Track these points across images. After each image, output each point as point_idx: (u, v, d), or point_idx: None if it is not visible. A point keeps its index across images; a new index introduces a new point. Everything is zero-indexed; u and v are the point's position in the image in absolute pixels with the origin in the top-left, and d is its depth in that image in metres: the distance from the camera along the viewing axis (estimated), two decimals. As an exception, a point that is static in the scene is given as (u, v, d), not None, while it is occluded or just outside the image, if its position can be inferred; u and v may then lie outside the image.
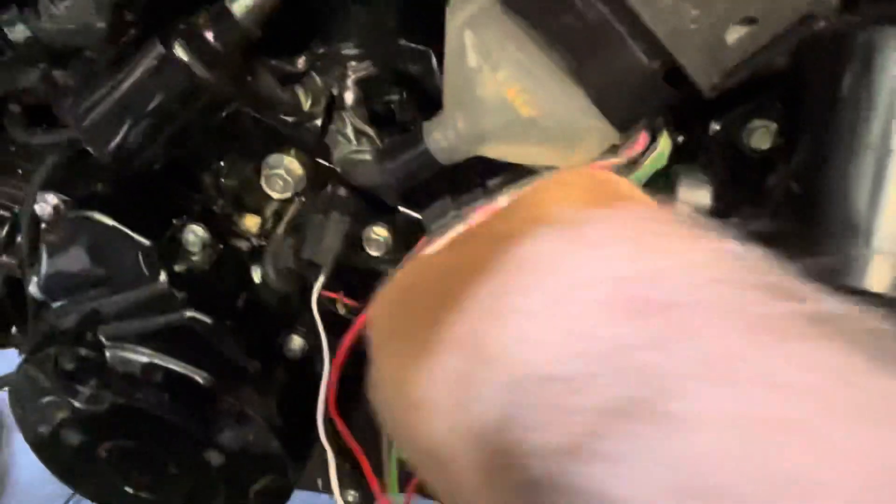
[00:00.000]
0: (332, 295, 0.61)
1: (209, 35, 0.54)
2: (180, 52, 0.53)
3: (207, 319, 0.61)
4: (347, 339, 0.48)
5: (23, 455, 0.75)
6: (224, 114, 0.59)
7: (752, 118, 0.54)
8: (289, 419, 0.67)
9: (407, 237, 0.69)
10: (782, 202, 0.45)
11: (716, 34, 0.46)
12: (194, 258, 0.64)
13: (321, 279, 0.60)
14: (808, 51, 0.45)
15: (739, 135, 0.54)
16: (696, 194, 0.49)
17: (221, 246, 0.64)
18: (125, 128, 0.54)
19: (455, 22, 0.49)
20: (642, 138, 0.56)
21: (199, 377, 0.63)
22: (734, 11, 0.45)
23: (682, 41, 0.46)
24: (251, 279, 0.66)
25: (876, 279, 0.40)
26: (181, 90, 0.53)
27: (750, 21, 0.46)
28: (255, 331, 0.66)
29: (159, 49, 0.54)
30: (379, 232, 0.68)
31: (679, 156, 0.61)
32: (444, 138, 0.55)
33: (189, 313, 0.60)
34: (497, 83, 0.52)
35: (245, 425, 0.66)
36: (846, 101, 0.43)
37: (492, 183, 0.59)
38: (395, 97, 0.66)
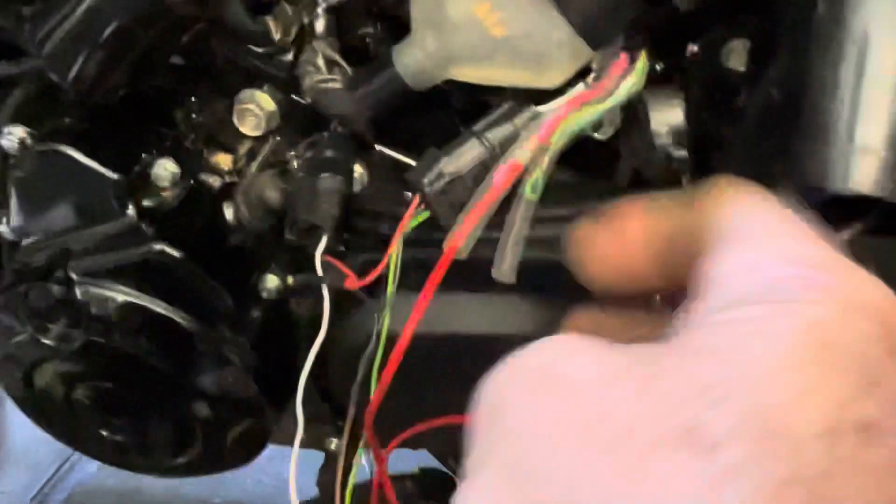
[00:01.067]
0: (339, 265, 0.57)
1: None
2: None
3: (177, 253, 0.60)
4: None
5: (18, 418, 0.74)
6: (187, 38, 0.58)
7: (731, 37, 0.52)
8: (265, 361, 0.66)
9: (383, 174, 0.68)
10: (761, 113, 0.44)
11: (688, -61, 0.45)
12: (164, 193, 0.62)
13: (323, 241, 0.57)
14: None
15: (718, 55, 0.52)
16: (668, 114, 0.47)
17: (192, 182, 0.63)
18: (85, 53, 0.53)
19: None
20: (621, 60, 0.55)
21: (174, 316, 0.61)
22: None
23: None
24: (223, 216, 0.64)
25: (859, 177, 0.39)
26: (140, 11, 0.52)
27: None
28: (227, 269, 0.65)
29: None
30: (356, 169, 0.66)
31: (660, 82, 0.60)
32: (413, 61, 0.53)
33: (158, 246, 0.59)
34: (467, 1, 0.50)
35: (222, 367, 0.65)
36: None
37: (478, 126, 0.56)
38: (369, 30, 0.65)
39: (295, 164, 0.65)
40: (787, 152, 0.40)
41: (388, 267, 0.54)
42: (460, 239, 0.48)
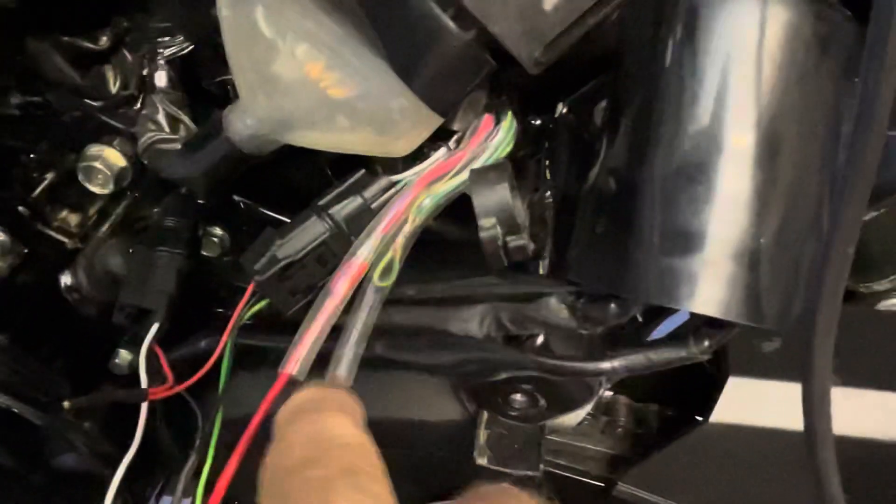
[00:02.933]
0: (162, 362, 0.51)
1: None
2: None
3: (2, 338, 0.53)
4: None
5: None
6: (14, 101, 0.51)
7: (602, 97, 0.46)
8: (118, 441, 0.60)
9: (250, 231, 0.62)
10: (599, 201, 0.38)
11: (530, -2, 0.39)
12: (-6, 265, 0.56)
13: (153, 329, 0.50)
14: (629, 16, 0.38)
15: (589, 115, 0.46)
16: (493, 200, 0.41)
17: (26, 250, 0.56)
18: None
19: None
20: (486, 121, 0.49)
21: (9, 406, 0.55)
22: (546, -30, 0.38)
23: (493, 6, 0.39)
24: (64, 286, 0.58)
25: (705, 297, 0.33)
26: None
27: (567, -19, 0.38)
28: (71, 345, 0.58)
29: None
30: (215, 232, 0.60)
31: (539, 140, 0.54)
32: (244, 126, 0.47)
33: (-24, 331, 0.53)
34: (297, 61, 0.44)
35: (69, 455, 0.59)
36: (668, 77, 0.35)
37: (323, 201, 0.50)
38: (228, 76, 0.58)
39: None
40: (624, 255, 0.35)
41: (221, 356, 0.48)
42: (293, 365, 0.42)
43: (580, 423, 0.62)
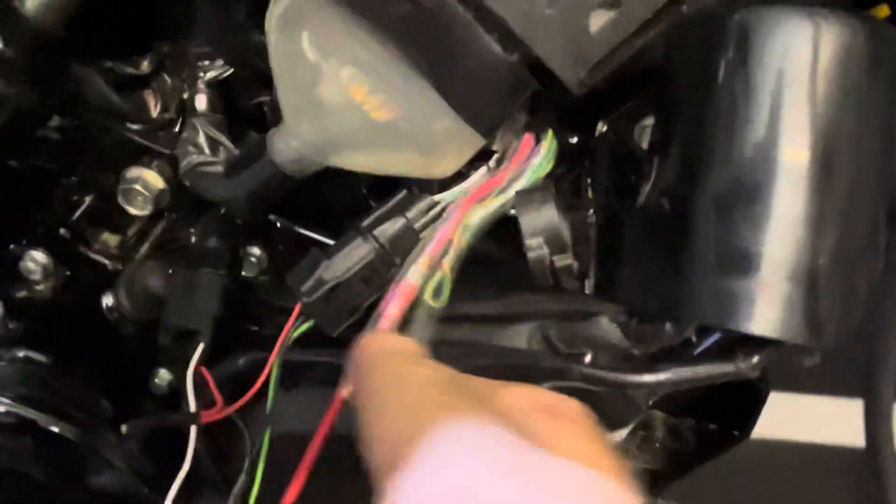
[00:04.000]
0: (210, 384, 0.51)
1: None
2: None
3: (42, 358, 0.54)
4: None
5: None
6: (54, 125, 0.52)
7: (644, 115, 0.46)
8: (159, 459, 0.60)
9: (288, 254, 0.62)
10: (651, 222, 0.38)
11: (576, 21, 0.39)
12: (38, 287, 0.57)
13: (199, 350, 0.51)
14: (677, 38, 0.38)
15: (630, 134, 0.47)
16: (539, 221, 0.42)
17: (68, 272, 0.57)
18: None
19: (277, 12, 0.42)
20: (526, 141, 0.50)
21: (47, 424, 0.56)
22: (593, -7, 0.38)
23: (538, 29, 0.39)
24: (105, 307, 0.59)
25: (761, 318, 0.33)
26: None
27: (613, 4, 0.38)
28: (112, 365, 0.59)
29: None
30: (253, 252, 0.61)
31: (576, 158, 0.54)
32: (288, 149, 0.48)
33: (21, 353, 0.53)
34: (341, 84, 0.45)
35: (108, 473, 0.59)
36: (720, 97, 0.35)
37: (366, 221, 0.50)
38: (265, 98, 0.59)
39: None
40: (679, 276, 0.35)
41: (269, 378, 0.48)
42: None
43: (616, 439, 0.62)
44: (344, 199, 0.61)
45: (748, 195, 0.33)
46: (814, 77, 0.33)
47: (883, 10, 0.41)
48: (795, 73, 0.34)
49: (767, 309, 0.33)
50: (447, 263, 0.45)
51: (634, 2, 0.38)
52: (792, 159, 0.33)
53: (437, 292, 0.45)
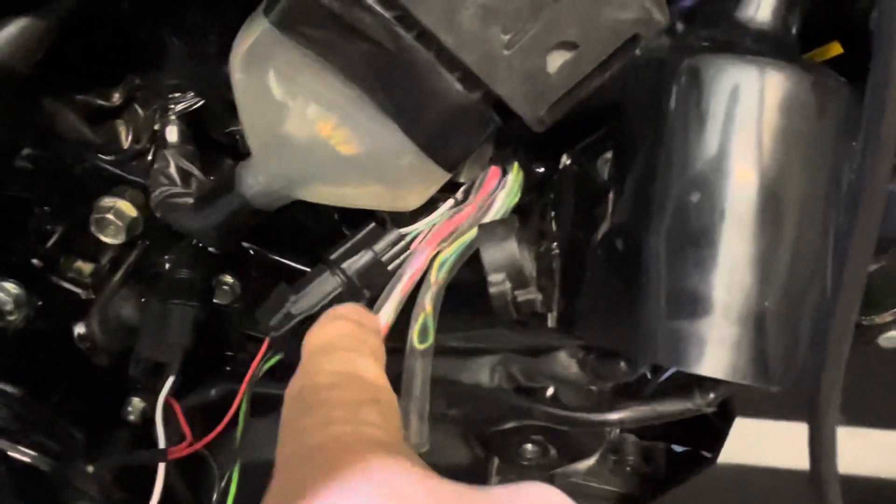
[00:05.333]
0: (180, 418, 0.52)
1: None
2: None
3: (12, 389, 0.54)
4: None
5: None
6: (26, 154, 0.53)
7: (607, 148, 0.47)
8: (132, 489, 0.60)
9: (261, 278, 0.63)
10: (608, 258, 0.39)
11: (535, 61, 0.40)
12: (10, 317, 0.57)
13: (168, 383, 0.51)
14: (630, 80, 0.39)
15: (593, 167, 0.47)
16: (500, 255, 0.42)
17: (40, 302, 0.57)
18: None
19: (241, 50, 0.42)
20: (492, 174, 0.50)
21: (22, 456, 0.56)
22: (550, 35, 0.39)
23: (498, 70, 0.40)
24: (77, 336, 0.59)
25: (711, 360, 0.34)
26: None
27: (571, 46, 0.39)
28: (85, 393, 0.59)
29: None
30: (226, 280, 0.61)
31: (543, 187, 0.55)
32: (256, 182, 0.48)
33: (-8, 384, 0.53)
34: (307, 120, 0.45)
35: (81, 501, 0.59)
36: (669, 141, 0.36)
37: (334, 255, 0.51)
38: (236, 127, 0.60)
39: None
40: (632, 316, 0.35)
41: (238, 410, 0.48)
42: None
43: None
44: (318, 226, 0.62)
45: (697, 238, 0.34)
46: (759, 124, 0.34)
47: (835, 48, 0.42)
48: (741, 120, 0.34)
49: (716, 351, 0.34)
50: (429, 303, 0.46)
51: (591, 43, 0.39)
52: (738, 204, 0.34)
53: (422, 334, 0.45)
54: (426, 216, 0.50)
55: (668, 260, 0.34)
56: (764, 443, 0.56)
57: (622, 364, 0.39)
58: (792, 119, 0.34)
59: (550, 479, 0.52)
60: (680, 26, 0.43)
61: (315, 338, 0.36)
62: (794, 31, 0.38)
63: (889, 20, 0.25)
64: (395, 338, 0.44)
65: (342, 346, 0.35)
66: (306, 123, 0.45)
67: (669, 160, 0.36)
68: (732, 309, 0.34)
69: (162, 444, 0.49)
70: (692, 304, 0.34)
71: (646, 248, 0.35)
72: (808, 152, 0.35)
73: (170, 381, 0.50)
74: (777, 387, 0.35)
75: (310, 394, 0.32)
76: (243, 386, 0.47)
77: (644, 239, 0.35)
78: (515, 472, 0.50)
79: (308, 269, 0.53)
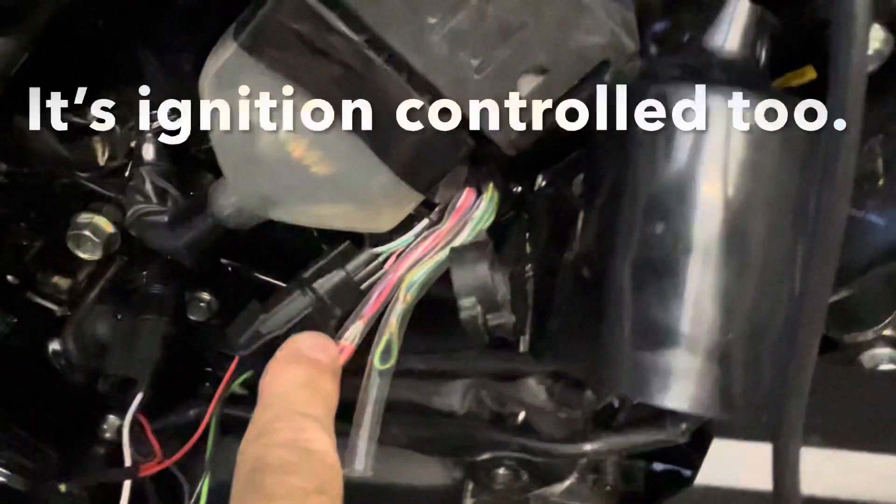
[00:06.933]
0: (149, 435, 0.51)
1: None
2: None
3: (-16, 410, 0.53)
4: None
5: None
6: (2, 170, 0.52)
7: (581, 170, 0.47)
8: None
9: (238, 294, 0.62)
10: (577, 284, 0.39)
11: (505, 85, 0.40)
12: (-17, 335, 0.56)
13: (137, 399, 0.51)
14: (598, 105, 0.39)
15: (567, 189, 0.47)
16: (471, 279, 0.42)
17: (14, 319, 0.57)
18: None
19: (211, 74, 0.42)
20: (467, 195, 0.50)
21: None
22: (520, 59, 0.39)
23: (469, 93, 0.40)
24: (52, 353, 0.58)
25: (675, 393, 0.33)
26: None
27: (541, 70, 0.39)
28: (60, 412, 0.58)
29: None
30: (203, 296, 0.61)
31: (518, 208, 0.55)
32: (228, 204, 0.48)
33: (-38, 404, 0.53)
34: (279, 142, 0.45)
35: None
36: (634, 168, 0.36)
37: (306, 274, 0.51)
38: (214, 144, 0.59)
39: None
40: (598, 345, 0.35)
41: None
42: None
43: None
44: (297, 242, 0.61)
45: (661, 269, 0.34)
46: (726, 154, 0.34)
47: (809, 72, 0.42)
48: (707, 150, 0.34)
49: (680, 383, 0.33)
50: (394, 323, 0.46)
51: (560, 68, 0.38)
52: (704, 235, 0.34)
53: (385, 354, 0.45)
54: (402, 235, 0.50)
55: (632, 290, 0.34)
56: (744, 464, 0.56)
57: (589, 393, 0.39)
58: (758, 149, 0.34)
59: (526, 502, 0.51)
60: (654, 49, 0.43)
61: (272, 385, 0.39)
62: (764, 58, 0.38)
63: (843, 54, 0.25)
64: (362, 359, 0.43)
65: (296, 404, 0.37)
66: (278, 145, 0.45)
67: (635, 189, 0.35)
68: (697, 341, 0.33)
69: (128, 461, 0.49)
70: (656, 336, 0.34)
71: (611, 277, 0.35)
72: (775, 183, 0.35)
73: (138, 397, 0.49)
74: (741, 417, 0.34)
75: (259, 477, 0.34)
76: (212, 404, 0.47)
77: (609, 268, 0.35)
78: (490, 495, 0.50)
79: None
